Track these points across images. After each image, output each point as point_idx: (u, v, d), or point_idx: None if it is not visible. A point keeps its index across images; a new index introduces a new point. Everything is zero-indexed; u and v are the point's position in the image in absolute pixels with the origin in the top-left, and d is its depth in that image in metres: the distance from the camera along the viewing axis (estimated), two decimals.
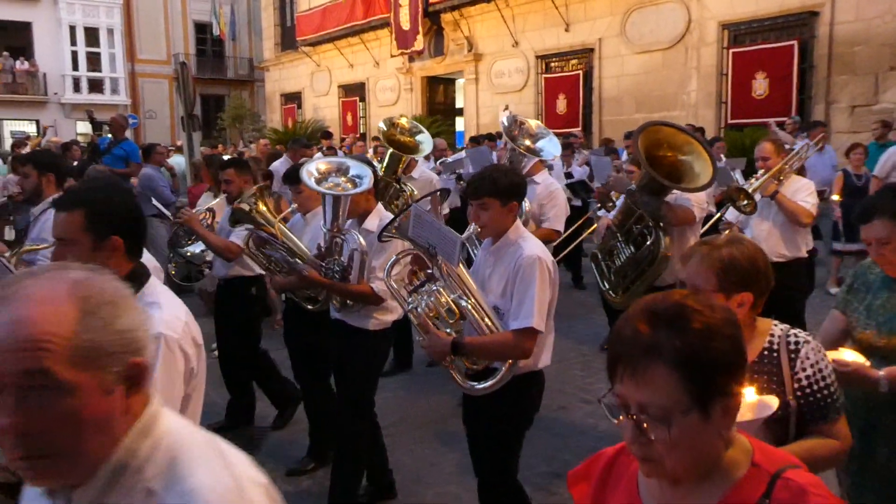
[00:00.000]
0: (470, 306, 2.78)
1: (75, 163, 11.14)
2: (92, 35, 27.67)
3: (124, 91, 28.47)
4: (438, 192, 3.89)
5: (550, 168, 8.67)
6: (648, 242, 3.68)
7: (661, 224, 3.73)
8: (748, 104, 12.10)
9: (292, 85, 25.30)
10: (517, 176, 3.00)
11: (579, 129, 14.80)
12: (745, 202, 4.50)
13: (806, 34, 11.58)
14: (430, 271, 2.89)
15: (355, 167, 3.58)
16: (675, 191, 3.98)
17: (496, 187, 2.83)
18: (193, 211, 4.87)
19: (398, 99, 20.32)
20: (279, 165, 8.59)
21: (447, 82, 20.36)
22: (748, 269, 1.93)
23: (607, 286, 4.05)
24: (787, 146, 5.51)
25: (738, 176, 6.32)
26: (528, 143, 4.86)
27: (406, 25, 18.42)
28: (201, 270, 5.44)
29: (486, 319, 2.78)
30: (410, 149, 5.97)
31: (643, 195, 3.65)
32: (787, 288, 3.74)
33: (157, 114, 29.41)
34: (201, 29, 30.61)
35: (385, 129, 5.99)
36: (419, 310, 2.84)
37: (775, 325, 2.01)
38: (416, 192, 5.72)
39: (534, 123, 5.11)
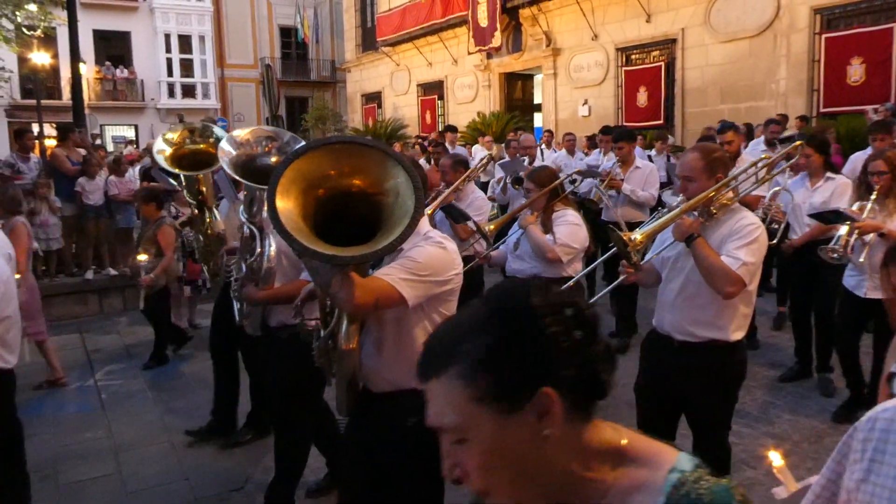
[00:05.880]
0: None
1: None
2: (185, 42, 29.09)
3: (214, 95, 29.79)
4: None
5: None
6: (331, 326, 2.44)
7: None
8: (843, 91, 11.50)
9: (372, 85, 25.77)
10: None
11: (661, 121, 14.49)
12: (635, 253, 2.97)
13: None
14: None
15: None
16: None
17: None
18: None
19: (476, 96, 20.37)
20: None
21: (525, 78, 20.24)
22: None
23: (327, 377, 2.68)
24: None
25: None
26: (274, 160, 3.16)
27: (484, 23, 18.44)
28: None
29: None
30: (212, 158, 4.01)
31: (313, 259, 2.09)
32: (705, 391, 2.93)
33: (244, 116, 30.57)
34: (286, 33, 31.62)
35: (167, 150, 4.17)
36: None
37: None
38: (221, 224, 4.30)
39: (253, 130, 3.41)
